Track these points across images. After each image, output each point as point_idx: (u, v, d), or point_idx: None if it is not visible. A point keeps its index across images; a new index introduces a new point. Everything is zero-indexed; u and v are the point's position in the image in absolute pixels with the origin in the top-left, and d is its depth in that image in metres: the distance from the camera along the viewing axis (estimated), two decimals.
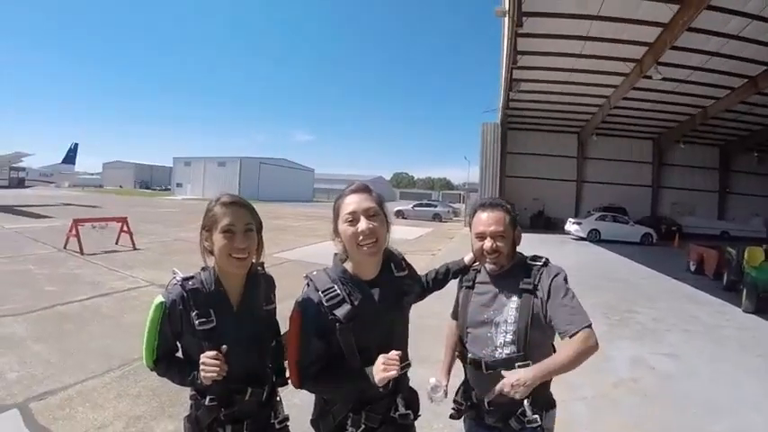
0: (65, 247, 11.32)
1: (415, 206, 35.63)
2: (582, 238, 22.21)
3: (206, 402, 1.68)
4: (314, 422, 1.89)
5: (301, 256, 12.26)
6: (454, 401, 2.15)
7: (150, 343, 1.66)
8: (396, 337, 1.76)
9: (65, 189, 37.46)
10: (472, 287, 2.08)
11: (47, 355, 4.86)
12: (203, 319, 1.63)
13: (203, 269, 1.75)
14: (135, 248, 12.10)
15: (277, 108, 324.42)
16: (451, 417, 2.16)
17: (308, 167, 79.06)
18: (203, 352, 1.59)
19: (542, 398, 1.90)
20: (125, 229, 12.77)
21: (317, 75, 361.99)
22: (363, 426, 1.79)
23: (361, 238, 1.65)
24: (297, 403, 2.82)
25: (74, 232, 11.36)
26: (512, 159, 28.41)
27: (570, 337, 1.73)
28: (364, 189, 1.76)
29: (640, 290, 10.64)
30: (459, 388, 2.17)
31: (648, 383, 5.09)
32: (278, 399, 1.90)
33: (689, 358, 6.03)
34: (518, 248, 2.03)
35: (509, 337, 1.88)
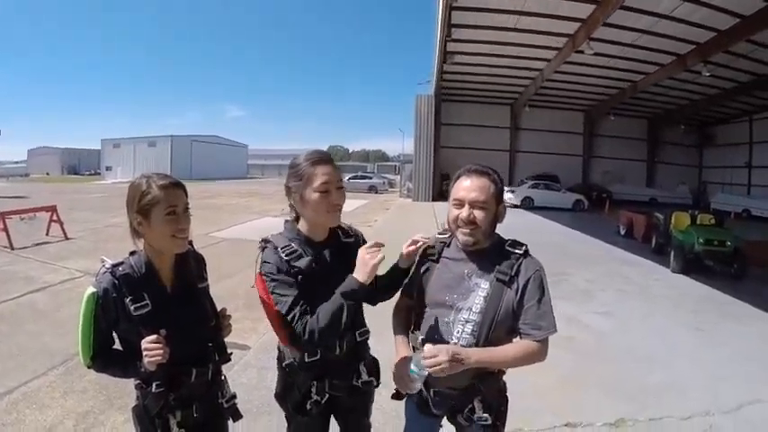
0: None
1: (350, 178, 35.26)
2: (516, 206, 22.81)
3: (152, 390, 1.66)
4: (278, 396, 1.95)
5: (237, 234, 12.13)
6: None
7: (86, 339, 1.61)
8: None
9: None
10: (437, 261, 1.87)
11: None
12: (138, 304, 1.61)
13: (132, 253, 1.72)
14: (67, 238, 11.53)
15: (208, 84, 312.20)
16: (393, 397, 1.93)
17: (242, 143, 77.37)
18: (142, 338, 1.57)
19: (494, 392, 1.81)
20: (55, 218, 12.10)
21: (248, 49, 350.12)
22: (328, 394, 1.86)
23: (334, 208, 1.78)
24: (244, 382, 2.86)
25: (1, 226, 10.72)
26: (446, 130, 28.83)
27: (526, 339, 1.70)
28: (330, 160, 1.82)
29: (573, 253, 11.16)
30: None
31: (584, 340, 5.40)
32: (223, 378, 1.91)
33: (622, 316, 6.41)
34: None
35: (468, 328, 1.71)
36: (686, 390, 4.27)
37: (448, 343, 1.69)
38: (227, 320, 1.90)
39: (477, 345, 1.69)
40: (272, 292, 1.73)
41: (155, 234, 1.65)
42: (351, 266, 1.77)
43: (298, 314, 1.67)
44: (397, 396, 1.91)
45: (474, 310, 1.71)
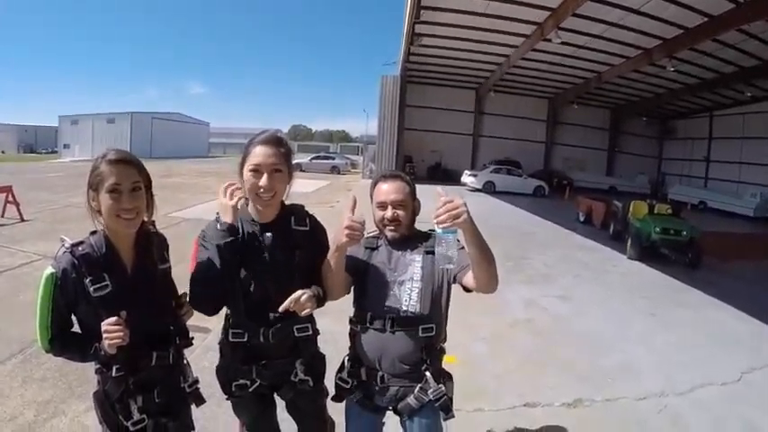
0: None
1: (312, 159, 34.96)
2: (477, 190, 23.09)
3: (113, 374, 1.64)
4: (217, 371, 1.97)
5: (198, 215, 11.81)
6: (339, 379, 2.04)
7: (44, 320, 1.58)
8: (285, 288, 1.76)
9: None
10: (374, 249, 2.03)
11: None
12: (98, 285, 1.58)
13: (92, 233, 1.68)
14: (23, 220, 11.11)
15: (169, 60, 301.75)
16: (333, 399, 2.07)
17: (204, 121, 75.53)
18: (102, 320, 1.54)
19: (440, 366, 1.98)
20: (10, 199, 11.66)
21: (210, 24, 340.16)
22: (258, 382, 1.88)
23: (261, 190, 1.76)
24: (206, 366, 2.85)
25: None
26: (410, 112, 28.58)
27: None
28: (274, 142, 1.81)
29: (533, 238, 11.42)
30: (342, 364, 2.09)
31: (542, 323, 5.58)
32: (185, 362, 1.89)
33: (579, 300, 6.63)
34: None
35: (415, 295, 1.90)
36: (640, 372, 4.47)
37: (398, 311, 1.89)
38: (188, 306, 1.87)
39: (424, 308, 1.89)
40: (198, 258, 1.81)
41: (103, 212, 1.61)
42: (293, 254, 1.82)
43: (196, 273, 1.78)
44: (337, 398, 2.05)
45: (415, 278, 1.93)
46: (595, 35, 17.47)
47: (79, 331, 1.69)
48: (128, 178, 1.60)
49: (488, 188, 23.30)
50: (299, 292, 1.72)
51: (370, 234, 2.04)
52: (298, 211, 1.95)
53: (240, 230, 1.79)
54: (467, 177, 24.43)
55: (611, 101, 29.69)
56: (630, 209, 11.16)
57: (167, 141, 57.60)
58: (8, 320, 5.03)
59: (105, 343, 1.54)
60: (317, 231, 1.98)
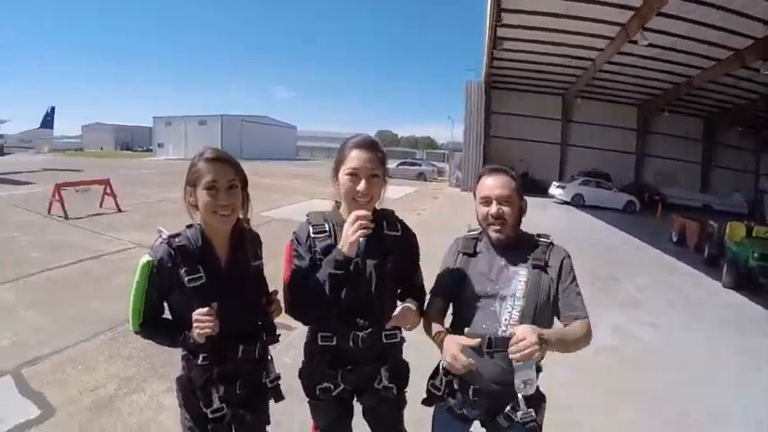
0: (48, 212, 11.11)
1: (399, 165, 34.54)
2: (566, 202, 22.13)
3: (198, 362, 1.68)
4: (300, 374, 1.95)
5: (287, 215, 12.13)
6: (431, 385, 1.92)
7: (137, 305, 1.64)
8: (377, 293, 1.79)
9: (44, 154, 36.56)
10: (473, 255, 1.91)
11: (37, 321, 4.87)
12: (192, 276, 1.62)
13: (188, 227, 1.73)
14: (120, 210, 11.98)
15: (257, 65, 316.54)
16: (424, 402, 1.97)
17: (291, 125, 77.81)
18: (193, 310, 1.58)
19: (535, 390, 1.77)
20: (108, 191, 12.57)
21: (299, 30, 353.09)
22: (342, 386, 1.84)
23: (359, 195, 1.71)
24: (287, 362, 2.86)
25: (57, 197, 11.17)
26: (496, 119, 27.92)
27: (576, 320, 1.75)
28: (371, 146, 1.77)
29: (623, 257, 10.77)
30: (436, 370, 1.95)
31: (629, 352, 5.19)
32: (269, 357, 1.90)
33: (669, 329, 6.13)
34: None
35: (515, 314, 1.74)
36: (729, 417, 4.04)
37: (497, 330, 1.74)
38: (277, 303, 1.88)
39: None
40: (293, 263, 1.82)
41: (200, 207, 1.66)
42: (385, 259, 1.78)
43: (297, 288, 1.76)
44: (428, 402, 1.95)
45: (518, 295, 1.76)
46: (683, 35, 16.30)
47: (170, 317, 1.75)
48: (224, 176, 1.64)
49: (577, 201, 22.18)
50: (406, 306, 1.75)
51: (470, 234, 1.97)
52: (389, 216, 1.91)
53: (332, 234, 1.78)
54: (555, 189, 23.42)
55: (704, 108, 27.41)
56: (727, 231, 10.10)
57: (256, 143, 59.71)
58: (102, 301, 5.40)
59: (195, 332, 1.58)
60: (409, 236, 1.94)
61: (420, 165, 37.67)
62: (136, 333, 1.69)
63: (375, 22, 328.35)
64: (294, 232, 1.86)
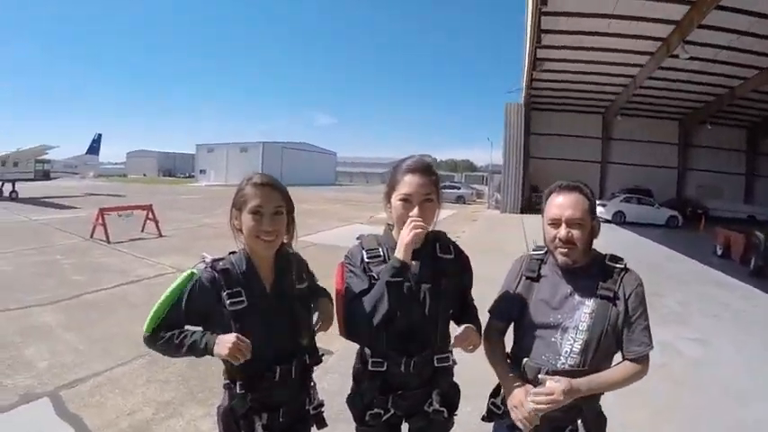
0: (91, 237, 11.52)
1: None
2: (607, 221, 21.55)
3: (237, 390, 1.65)
4: (348, 400, 1.91)
5: (326, 240, 12.20)
6: (492, 404, 1.87)
7: (161, 308, 1.61)
8: (430, 318, 1.75)
9: (89, 179, 38.04)
10: (536, 279, 1.81)
11: (76, 343, 4.98)
12: (235, 299, 1.60)
13: (231, 253, 1.73)
14: (161, 235, 12.28)
15: (298, 92, 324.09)
16: (483, 419, 1.92)
17: (331, 151, 79.29)
18: (229, 332, 1.56)
19: (593, 411, 1.74)
20: (150, 216, 12.94)
21: (339, 56, 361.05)
22: (392, 411, 1.79)
23: (410, 220, 1.66)
24: (325, 387, 2.83)
25: (100, 221, 11.56)
26: (536, 140, 27.96)
27: (632, 360, 1.67)
28: (424, 170, 1.73)
29: (667, 273, 10.43)
30: (498, 388, 1.89)
31: (677, 369, 5.01)
32: (312, 383, 1.86)
33: (717, 345, 5.92)
34: None
35: (577, 347, 1.66)
36: None
37: (555, 363, 1.68)
38: (319, 323, 1.84)
39: (584, 363, 1.66)
40: (346, 282, 1.78)
41: (244, 231, 1.66)
42: (439, 283, 1.73)
43: (355, 306, 1.72)
44: (488, 419, 1.90)
45: (581, 328, 1.67)
46: (724, 46, 16.03)
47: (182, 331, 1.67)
48: (271, 202, 1.65)
49: (618, 219, 21.82)
50: (469, 327, 1.74)
51: (535, 254, 1.87)
52: (442, 239, 1.87)
53: (386, 258, 1.75)
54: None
55: (747, 119, 26.81)
56: None
57: (297, 169, 60.76)
58: (140, 324, 5.40)
59: (224, 351, 1.52)
60: (462, 259, 1.90)
61: (459, 188, 37.94)
62: (145, 335, 1.63)
63: (414, 50, 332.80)
64: (346, 255, 1.84)
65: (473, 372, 2.10)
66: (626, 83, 21.98)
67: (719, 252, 13.37)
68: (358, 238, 1.85)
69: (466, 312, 1.90)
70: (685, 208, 24.36)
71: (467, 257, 1.93)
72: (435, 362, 1.79)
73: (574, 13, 15.18)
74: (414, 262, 1.70)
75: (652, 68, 18.46)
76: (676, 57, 15.79)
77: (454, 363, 1.88)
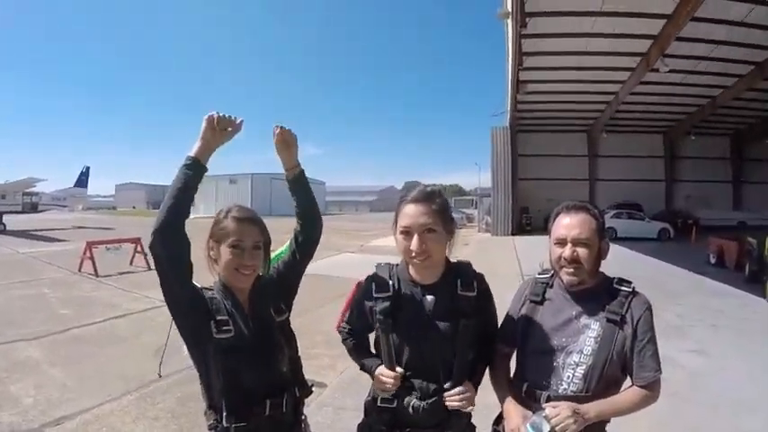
0: (79, 270, 11.36)
1: None
2: None
3: (224, 423, 1.57)
4: (358, 429, 1.83)
5: (317, 270, 12.03)
6: (494, 430, 1.82)
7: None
8: (444, 360, 1.65)
9: (78, 212, 37.79)
10: (540, 303, 1.77)
11: (63, 378, 4.83)
12: (224, 327, 1.57)
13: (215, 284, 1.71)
14: (150, 269, 12.04)
15: (285, 123, 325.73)
16: None
17: (320, 180, 78.57)
18: (217, 362, 1.56)
19: None
20: (139, 249, 12.78)
21: (323, 86, 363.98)
22: None
23: (413, 254, 1.60)
24: (319, 421, 2.75)
25: (88, 254, 11.42)
26: (523, 161, 28.20)
27: (642, 387, 1.61)
28: (424, 199, 1.64)
29: (663, 287, 10.38)
30: (500, 416, 1.82)
31: (676, 382, 4.92)
32: (303, 417, 1.79)
33: (717, 354, 5.89)
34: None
35: (579, 372, 1.60)
36: None
37: (557, 388, 1.62)
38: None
39: (587, 389, 1.59)
40: (353, 304, 1.85)
41: (222, 264, 1.65)
42: (456, 322, 1.63)
43: (345, 331, 1.86)
44: None
45: (585, 352, 1.61)
46: (703, 56, 16.43)
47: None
48: (250, 237, 1.65)
49: (609, 235, 21.57)
50: (464, 390, 1.64)
51: (541, 278, 1.82)
52: (464, 272, 1.74)
53: (394, 292, 1.68)
54: None
55: (730, 126, 27.35)
56: (766, 245, 10.00)
57: (286, 200, 60.03)
58: (130, 359, 5.37)
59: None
60: (485, 297, 1.77)
61: None
62: (152, 234, 1.64)
63: (398, 79, 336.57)
64: (365, 280, 1.80)
65: (479, 397, 2.01)
66: (609, 100, 22.38)
67: (713, 261, 13.52)
68: (377, 266, 1.79)
69: (486, 354, 1.81)
70: (675, 219, 24.61)
71: (491, 295, 1.81)
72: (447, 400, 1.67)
73: (553, 35, 15.49)
74: (428, 297, 1.65)
75: (633, 84, 18.81)
76: (657, 70, 16.09)
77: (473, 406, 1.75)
